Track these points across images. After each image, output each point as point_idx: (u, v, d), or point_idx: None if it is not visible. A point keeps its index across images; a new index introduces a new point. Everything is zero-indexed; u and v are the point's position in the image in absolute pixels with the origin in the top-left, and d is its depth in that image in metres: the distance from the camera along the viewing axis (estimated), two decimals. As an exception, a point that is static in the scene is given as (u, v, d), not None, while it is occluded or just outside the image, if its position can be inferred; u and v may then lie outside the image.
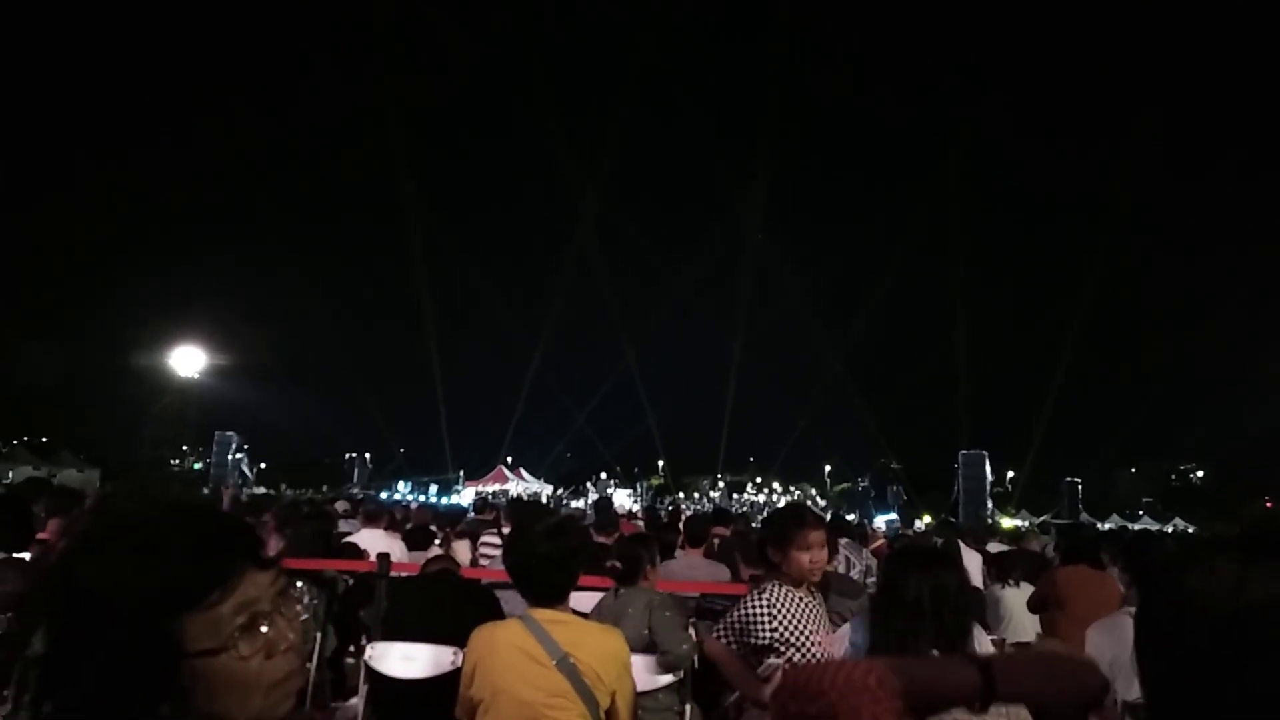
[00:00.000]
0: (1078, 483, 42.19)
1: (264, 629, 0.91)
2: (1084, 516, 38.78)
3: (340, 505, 12.72)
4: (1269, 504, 39.09)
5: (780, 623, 2.80)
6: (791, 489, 55.63)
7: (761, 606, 2.83)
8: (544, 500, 30.16)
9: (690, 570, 5.78)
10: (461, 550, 6.97)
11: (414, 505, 15.72)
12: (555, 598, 2.55)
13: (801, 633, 2.81)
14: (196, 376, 31.52)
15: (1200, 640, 0.75)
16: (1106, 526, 30.14)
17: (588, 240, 54.60)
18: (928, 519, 33.13)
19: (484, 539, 6.92)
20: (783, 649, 2.79)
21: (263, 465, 39.88)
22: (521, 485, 36.63)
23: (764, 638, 2.80)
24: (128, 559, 0.86)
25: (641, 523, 10.35)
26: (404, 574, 5.13)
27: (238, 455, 32.02)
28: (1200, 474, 64.32)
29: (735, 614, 2.90)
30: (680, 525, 7.68)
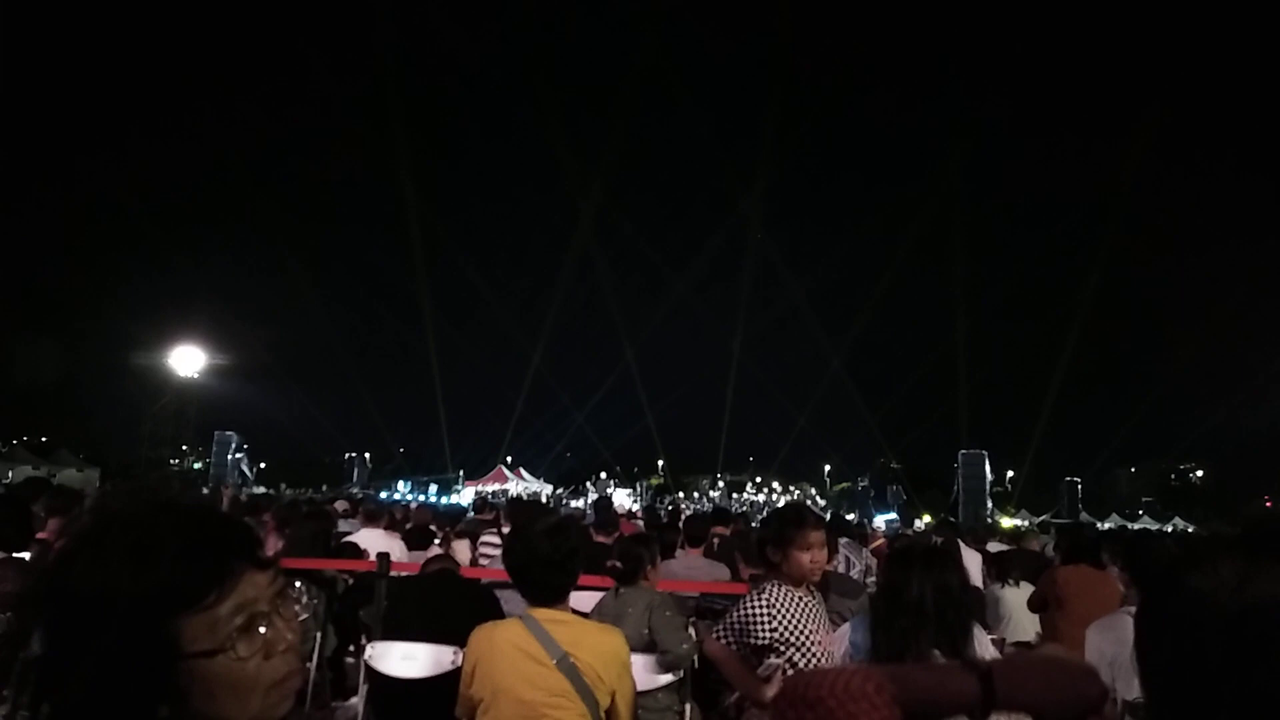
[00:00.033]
0: (1077, 482, 42.25)
1: (262, 630, 0.91)
2: (1083, 516, 38.79)
3: (340, 505, 12.71)
4: (1268, 503, 39.14)
5: (780, 623, 2.80)
6: (791, 488, 55.69)
7: (761, 607, 2.83)
8: (544, 500, 30.15)
9: (690, 570, 5.78)
10: (461, 550, 6.97)
11: (414, 505, 15.70)
12: (555, 597, 2.55)
13: (801, 632, 2.80)
14: (196, 376, 31.56)
15: (1200, 639, 0.75)
16: (1106, 526, 30.14)
17: (588, 239, 54.66)
18: (927, 518, 33.12)
19: (484, 538, 6.92)
20: (783, 649, 2.78)
21: (262, 465, 39.91)
22: (521, 485, 36.63)
23: (764, 638, 2.80)
24: (123, 560, 0.85)
25: (641, 522, 10.34)
26: (404, 573, 5.13)
27: (237, 455, 32.04)
28: (1200, 473, 64.39)
29: (735, 614, 2.90)
30: (680, 525, 7.67)
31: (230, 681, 0.88)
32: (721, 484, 48.61)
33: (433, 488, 38.89)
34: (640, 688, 2.90)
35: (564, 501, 33.39)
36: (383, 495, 30.90)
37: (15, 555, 3.32)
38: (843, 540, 6.54)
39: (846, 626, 2.88)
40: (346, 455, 44.95)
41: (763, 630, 2.80)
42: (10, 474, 23.46)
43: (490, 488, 32.29)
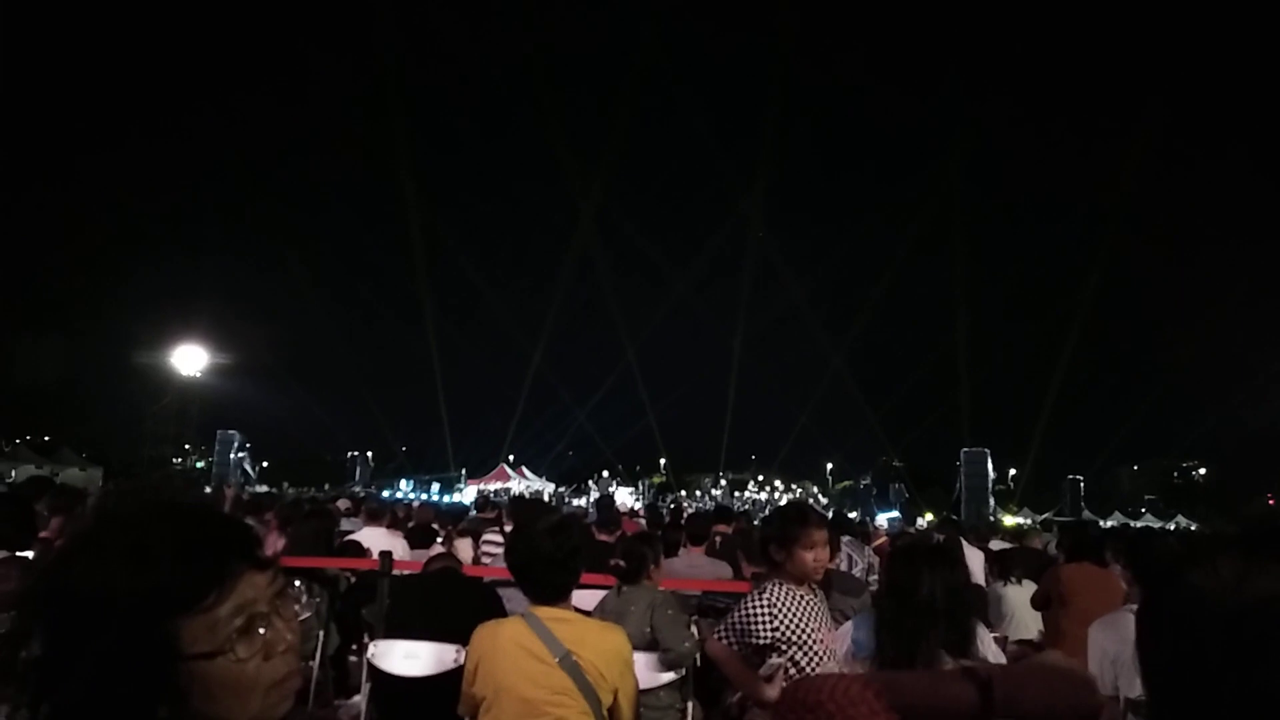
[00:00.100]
0: (1080, 480, 42.27)
1: (261, 631, 0.91)
2: (1086, 514, 38.83)
3: (342, 503, 12.73)
4: (1271, 501, 39.10)
5: (781, 622, 2.79)
6: (793, 487, 55.74)
7: (762, 606, 2.83)
8: (546, 498, 30.19)
9: (692, 568, 5.78)
10: (464, 548, 6.97)
11: (416, 503, 15.71)
12: (557, 596, 2.55)
13: (803, 631, 2.80)
14: (198, 375, 31.57)
15: (1201, 637, 0.75)
16: (1108, 524, 30.13)
17: (589, 238, 54.62)
18: (930, 516, 33.16)
19: (486, 537, 6.92)
20: (785, 648, 2.78)
21: (265, 464, 39.99)
22: (523, 483, 36.68)
23: (765, 637, 2.79)
24: (122, 562, 0.85)
25: (643, 521, 10.35)
26: (406, 572, 5.13)
27: (240, 454, 32.11)
28: (1202, 471, 64.33)
29: (736, 614, 2.90)
30: (682, 523, 7.67)
31: (230, 683, 0.87)
32: (724, 482, 48.63)
33: (435, 486, 38.90)
34: (642, 686, 2.90)
35: (566, 500, 33.46)
36: (385, 494, 30.95)
37: (18, 554, 3.33)
38: (845, 538, 6.55)
39: (849, 625, 2.88)
40: (349, 454, 45.08)
41: (764, 630, 2.80)
42: (13, 473, 23.47)
43: (492, 486, 32.34)
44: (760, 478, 57.01)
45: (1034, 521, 26.86)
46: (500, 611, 3.56)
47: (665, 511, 13.13)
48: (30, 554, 3.41)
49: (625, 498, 33.40)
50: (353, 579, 6.07)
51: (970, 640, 2.43)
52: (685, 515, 9.62)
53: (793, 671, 2.74)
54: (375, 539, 6.58)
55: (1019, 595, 5.85)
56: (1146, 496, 51.82)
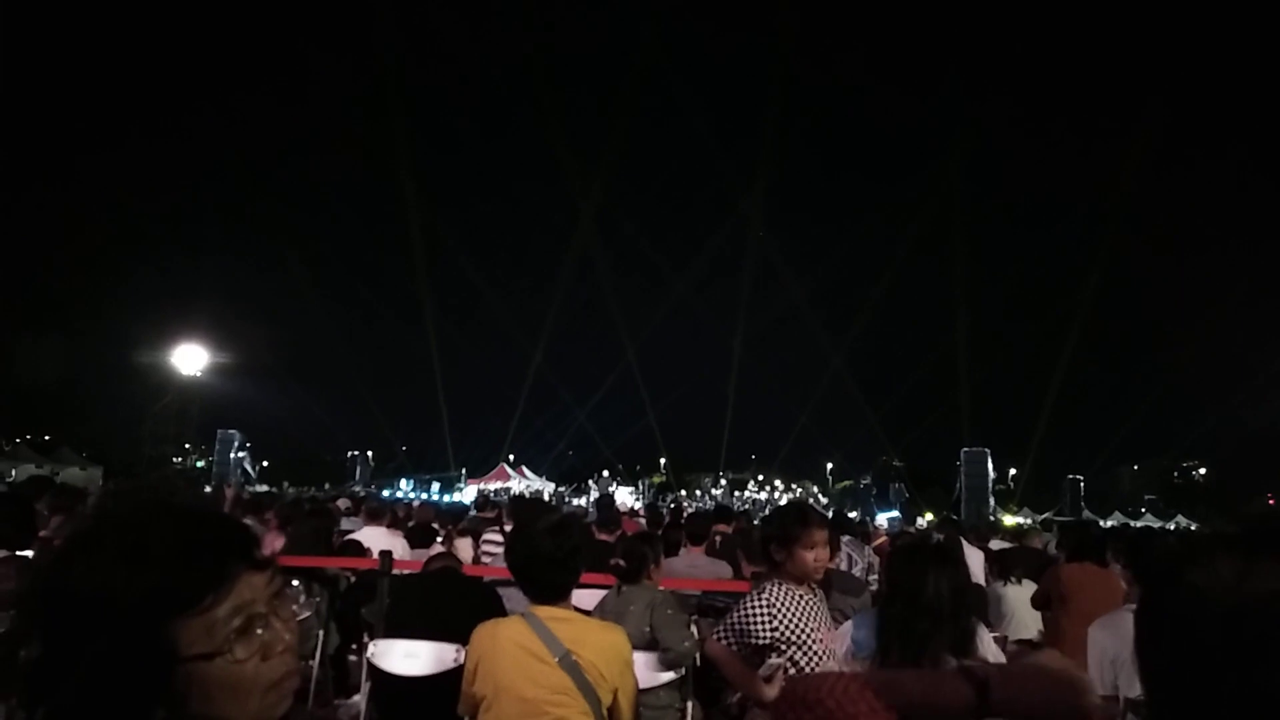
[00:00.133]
0: (1080, 480, 42.30)
1: (259, 631, 0.90)
2: (1086, 514, 38.84)
3: (342, 503, 12.74)
4: (1271, 500, 39.08)
5: (780, 622, 2.79)
6: (793, 486, 55.72)
7: (761, 607, 2.83)
8: (546, 498, 30.18)
9: (692, 568, 5.78)
10: (464, 548, 6.98)
11: (416, 503, 15.72)
12: (557, 595, 2.55)
13: (802, 631, 2.80)
14: (199, 374, 31.60)
15: (1201, 636, 0.75)
16: (1109, 524, 30.13)
17: (589, 238, 54.61)
18: (930, 516, 33.16)
19: (486, 536, 6.92)
20: (784, 648, 2.78)
21: (265, 463, 40.03)
22: (523, 483, 36.69)
23: (764, 637, 2.79)
24: (119, 563, 0.85)
25: (643, 520, 10.35)
26: (406, 571, 5.13)
27: (240, 453, 32.15)
28: (1202, 471, 64.32)
29: (734, 615, 2.89)
30: (682, 523, 7.68)
31: (228, 683, 0.87)
32: (724, 482, 48.67)
33: (435, 486, 38.93)
34: (642, 685, 2.90)
35: (566, 499, 33.45)
36: (385, 493, 30.97)
37: (18, 554, 3.33)
38: (845, 538, 6.55)
39: (848, 624, 2.88)
40: (349, 453, 45.13)
41: (763, 630, 2.79)
42: (13, 472, 23.48)
43: (492, 486, 32.35)
44: (760, 477, 57.01)
45: (1034, 521, 26.85)
46: (500, 611, 3.56)
47: (665, 511, 13.12)
48: (30, 553, 3.41)
49: (625, 497, 33.41)
50: (353, 578, 6.07)
51: (971, 640, 2.43)
52: (685, 515, 9.63)
53: (792, 671, 2.74)
54: (375, 538, 6.58)
55: (1019, 595, 5.85)
56: (1146, 496, 51.81)
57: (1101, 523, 31.71)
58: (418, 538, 7.48)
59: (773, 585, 2.88)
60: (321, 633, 5.22)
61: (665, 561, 4.53)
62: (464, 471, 42.02)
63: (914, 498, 43.29)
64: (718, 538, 7.10)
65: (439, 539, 7.78)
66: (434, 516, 9.71)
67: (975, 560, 6.80)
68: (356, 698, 4.27)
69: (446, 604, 3.78)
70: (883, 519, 28.97)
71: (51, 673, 0.81)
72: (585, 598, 3.77)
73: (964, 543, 6.90)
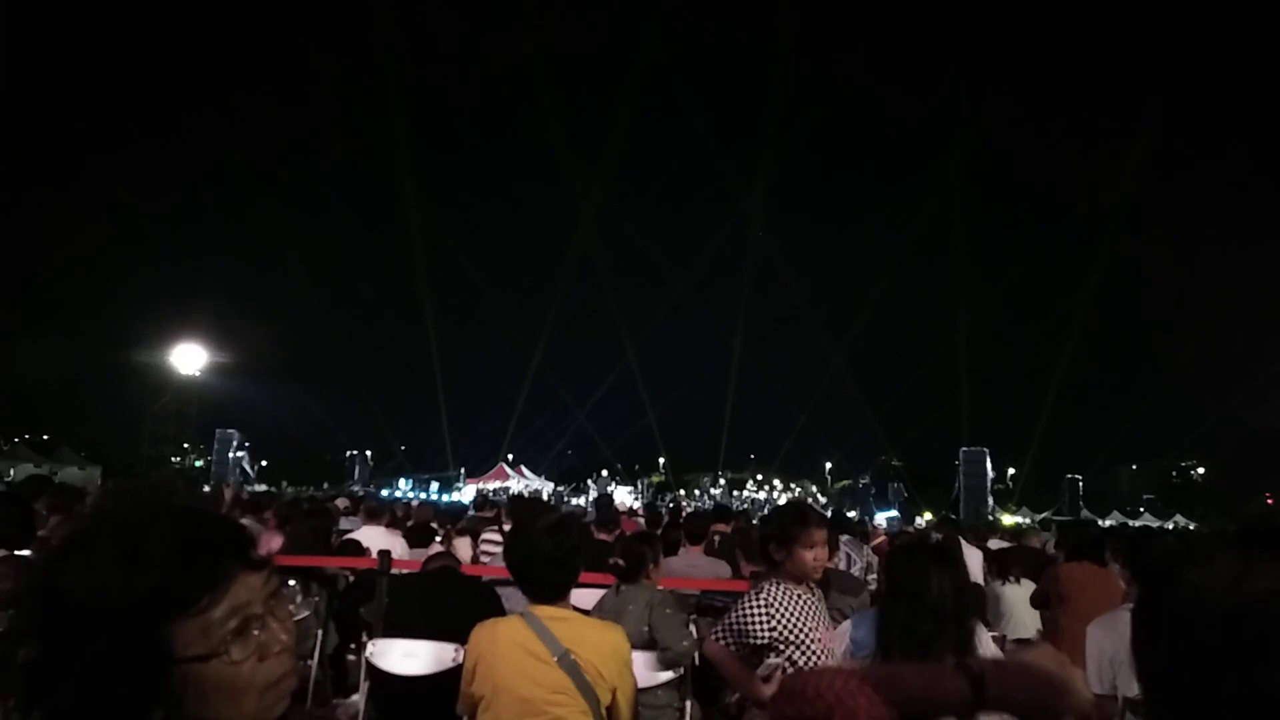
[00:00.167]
0: (1078, 479, 42.29)
1: (256, 632, 0.90)
2: (1084, 513, 38.86)
3: (341, 502, 12.75)
4: (1269, 500, 39.13)
5: (778, 622, 2.79)
6: (792, 486, 55.70)
7: (758, 607, 2.83)
8: (545, 497, 30.18)
9: (691, 567, 5.79)
10: (462, 547, 6.98)
11: (415, 502, 15.73)
12: (556, 595, 2.55)
13: (801, 630, 2.80)
14: (197, 374, 31.62)
15: (1200, 635, 0.75)
16: (1107, 523, 30.18)
17: (589, 237, 54.53)
18: (929, 516, 33.17)
19: (485, 536, 6.92)
20: (783, 647, 2.78)
21: (264, 462, 40.00)
22: (522, 482, 36.69)
23: (762, 638, 2.79)
24: (114, 565, 0.84)
25: (642, 520, 10.35)
26: (405, 571, 5.13)
27: (239, 453, 32.14)
28: (1201, 470, 64.32)
29: (732, 616, 2.89)
30: (681, 522, 7.69)
31: (224, 685, 0.87)
32: (722, 481, 48.67)
33: (434, 485, 38.93)
34: (641, 684, 2.91)
35: (565, 499, 33.45)
36: (384, 493, 30.98)
37: (17, 553, 3.33)
38: (844, 537, 6.55)
39: (847, 624, 2.88)
40: (348, 453, 45.19)
41: (761, 630, 2.79)
42: (12, 472, 23.43)
43: (491, 485, 32.36)
44: (759, 477, 56.95)
45: (1032, 521, 26.86)
46: (499, 610, 3.56)
47: (664, 510, 13.12)
48: (28, 553, 3.41)
49: (624, 497, 33.41)
50: (351, 578, 6.07)
51: (971, 640, 2.43)
52: (684, 514, 9.63)
53: (790, 671, 2.74)
54: (374, 538, 6.58)
55: (1017, 594, 5.85)
56: (1145, 496, 51.82)
57: (1100, 522, 31.79)
58: (416, 537, 7.48)
59: (770, 585, 2.88)
60: (320, 632, 5.22)
61: (664, 561, 4.53)
62: (463, 471, 42.03)
63: (913, 497, 43.28)
64: (716, 537, 7.11)
65: (438, 538, 7.78)
66: (433, 516, 9.72)
67: (974, 560, 6.81)
68: (355, 697, 4.26)
69: (445, 603, 3.78)
70: (881, 518, 28.94)
71: (47, 674, 0.81)
72: (584, 597, 3.77)
73: (962, 542, 6.91)
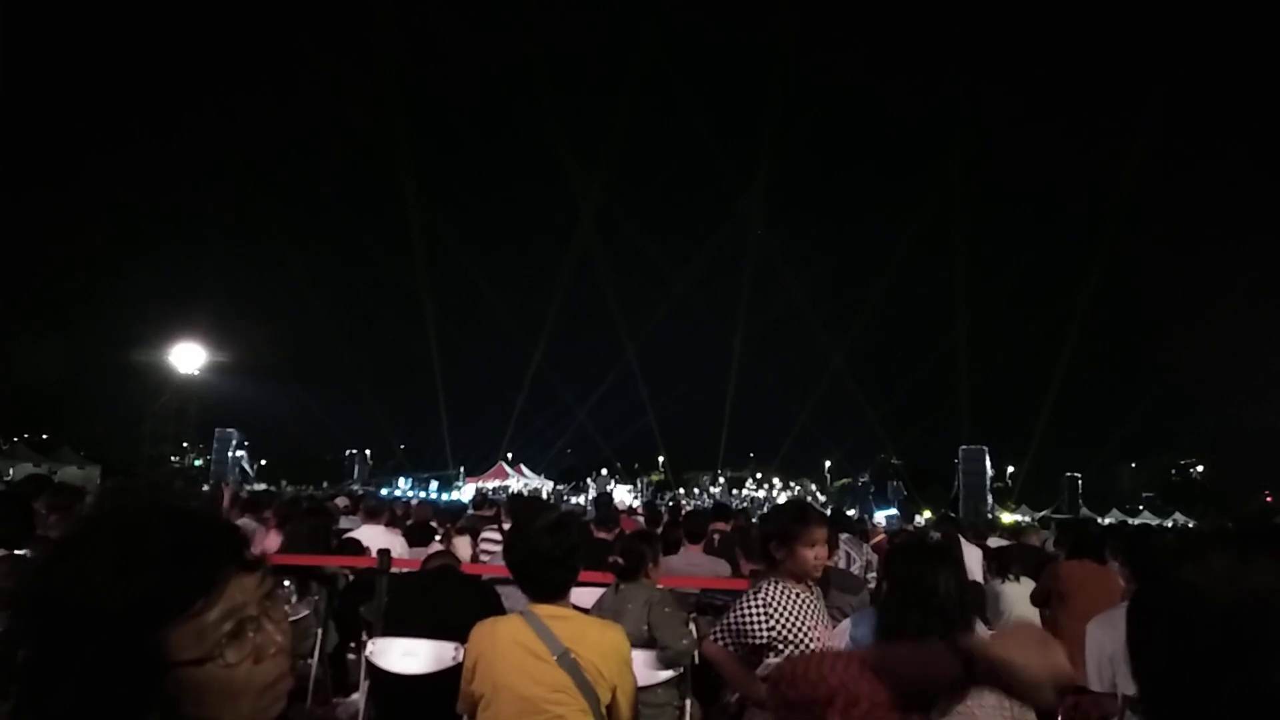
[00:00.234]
0: (1078, 478, 42.27)
1: (251, 634, 0.90)
2: (1084, 511, 38.85)
3: (341, 501, 12.75)
4: (1269, 498, 39.17)
5: (777, 621, 2.79)
6: (791, 484, 55.67)
7: (757, 607, 2.82)
8: (544, 496, 30.18)
9: (691, 566, 5.79)
10: (462, 546, 6.98)
11: (414, 501, 15.72)
12: (556, 593, 2.55)
13: (800, 629, 2.80)
14: (197, 373, 31.56)
15: (1197, 633, 0.75)
16: (1107, 521, 30.18)
17: (589, 236, 54.46)
18: (928, 514, 33.16)
19: (484, 535, 6.93)
20: (782, 647, 2.78)
21: (263, 461, 39.98)
22: (522, 481, 36.68)
23: (761, 637, 2.79)
24: (108, 569, 0.84)
25: (642, 518, 10.35)
26: (405, 570, 5.14)
27: (238, 452, 32.14)
28: (1200, 469, 64.33)
29: (731, 616, 2.89)
30: (680, 521, 7.69)
31: (220, 688, 0.87)
32: (722, 480, 48.62)
33: (433, 484, 38.90)
34: (640, 683, 2.90)
35: (564, 498, 33.43)
36: (383, 492, 30.94)
37: (16, 553, 3.33)
38: (843, 536, 6.55)
39: (846, 622, 2.88)
40: (347, 452, 45.12)
41: (760, 630, 2.79)
42: (11, 471, 23.42)
43: (491, 484, 32.34)
44: (759, 475, 56.89)
45: (1032, 519, 26.86)
46: (499, 609, 3.56)
47: (664, 509, 13.12)
48: (28, 552, 3.41)
49: (624, 495, 33.38)
50: (351, 577, 6.07)
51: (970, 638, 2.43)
52: (684, 513, 9.63)
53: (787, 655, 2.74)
54: (374, 537, 6.58)
55: (1017, 592, 5.85)
56: (1145, 494, 51.82)
57: (1100, 520, 31.79)
58: (416, 536, 7.47)
59: (769, 585, 2.87)
60: (320, 631, 5.23)
61: (664, 560, 4.53)
62: (462, 470, 41.99)
63: (912, 495, 43.27)
64: (716, 536, 7.11)
65: (437, 537, 7.78)
66: (432, 515, 9.71)
67: (973, 558, 6.81)
68: (355, 696, 4.26)
69: (445, 602, 3.78)
70: (881, 517, 28.90)
71: (43, 678, 0.81)
72: (584, 596, 3.77)
73: (962, 540, 6.92)
